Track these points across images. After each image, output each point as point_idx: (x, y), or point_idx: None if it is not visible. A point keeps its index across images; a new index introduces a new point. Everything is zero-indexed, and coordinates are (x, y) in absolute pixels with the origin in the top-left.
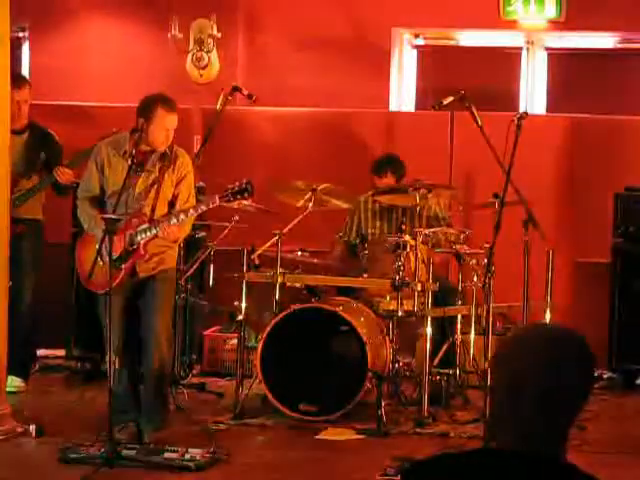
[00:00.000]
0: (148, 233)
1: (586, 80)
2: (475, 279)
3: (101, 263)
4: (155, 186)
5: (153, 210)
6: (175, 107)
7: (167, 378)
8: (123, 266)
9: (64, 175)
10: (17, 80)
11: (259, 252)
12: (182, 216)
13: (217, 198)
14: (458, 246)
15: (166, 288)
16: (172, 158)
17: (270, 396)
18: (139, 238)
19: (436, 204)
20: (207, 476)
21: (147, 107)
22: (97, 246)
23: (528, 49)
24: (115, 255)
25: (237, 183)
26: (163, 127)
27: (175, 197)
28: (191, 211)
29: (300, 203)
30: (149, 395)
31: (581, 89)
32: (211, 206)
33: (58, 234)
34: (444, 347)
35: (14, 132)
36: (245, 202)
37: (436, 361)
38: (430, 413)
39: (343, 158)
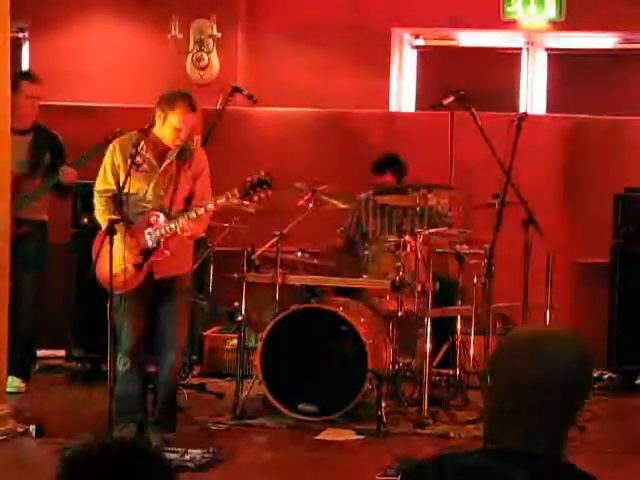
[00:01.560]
0: (167, 229)
1: (586, 80)
2: (475, 279)
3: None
4: (173, 182)
5: (171, 207)
6: (196, 107)
7: (178, 385)
8: (144, 265)
9: (68, 175)
10: (32, 76)
11: (259, 253)
12: (201, 211)
13: (237, 192)
14: (458, 246)
15: (183, 295)
16: (189, 154)
17: (270, 396)
18: (159, 235)
19: (437, 204)
20: (207, 476)
21: (169, 102)
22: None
23: (528, 49)
24: (136, 259)
25: (255, 176)
26: (179, 127)
27: (192, 194)
28: (210, 205)
29: (300, 203)
30: (161, 402)
31: (581, 89)
32: (231, 200)
33: (59, 234)
34: (444, 347)
35: (19, 132)
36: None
37: (436, 361)
38: (430, 413)
39: (343, 158)
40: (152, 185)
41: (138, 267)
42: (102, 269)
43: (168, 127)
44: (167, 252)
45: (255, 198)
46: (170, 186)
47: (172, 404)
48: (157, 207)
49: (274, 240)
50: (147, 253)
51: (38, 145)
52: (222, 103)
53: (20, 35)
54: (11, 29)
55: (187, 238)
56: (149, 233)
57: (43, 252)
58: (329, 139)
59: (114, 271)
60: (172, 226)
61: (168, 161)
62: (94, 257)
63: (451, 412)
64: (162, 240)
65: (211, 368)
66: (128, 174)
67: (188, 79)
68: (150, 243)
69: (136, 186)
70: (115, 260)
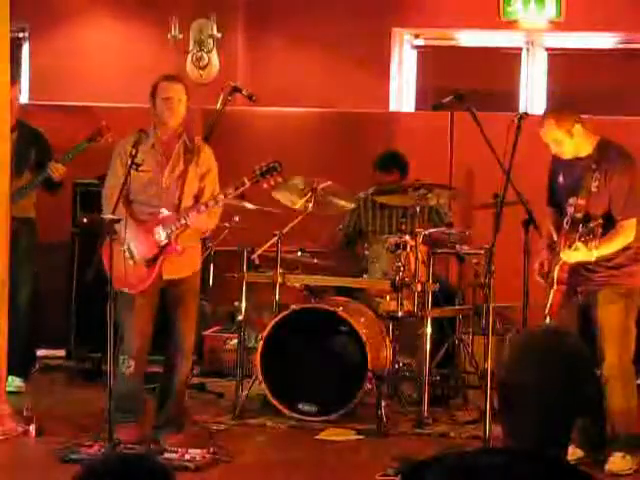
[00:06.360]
0: (178, 225)
1: (586, 80)
2: (475, 279)
3: (131, 262)
4: (181, 179)
5: (180, 203)
6: (177, 79)
7: (187, 386)
8: (157, 261)
9: (57, 171)
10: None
11: (259, 252)
12: (212, 202)
13: (246, 180)
14: (458, 246)
15: (193, 297)
16: (196, 151)
17: (270, 396)
18: (169, 231)
19: (436, 203)
20: (207, 476)
21: (152, 87)
22: (124, 247)
23: (528, 49)
24: (148, 255)
25: (264, 163)
26: (166, 97)
27: (201, 191)
28: (220, 196)
29: (300, 203)
30: (172, 403)
31: (581, 89)
32: (240, 189)
33: (59, 234)
34: (444, 347)
35: None
36: (272, 182)
37: (436, 361)
38: (430, 413)
39: (343, 158)
40: (161, 182)
41: (150, 263)
42: (116, 270)
43: (159, 103)
44: (179, 247)
45: (265, 185)
46: (179, 183)
47: (182, 404)
48: (167, 204)
49: (274, 240)
50: (160, 249)
51: (23, 142)
52: (222, 103)
53: (20, 35)
54: (11, 29)
55: (198, 232)
56: (159, 230)
57: (33, 249)
58: (329, 139)
59: (127, 270)
60: (182, 221)
61: (176, 157)
62: (106, 260)
63: (451, 412)
64: (173, 236)
65: (211, 368)
66: (128, 174)
67: (188, 79)
68: (161, 239)
69: (145, 184)
70: (125, 258)
